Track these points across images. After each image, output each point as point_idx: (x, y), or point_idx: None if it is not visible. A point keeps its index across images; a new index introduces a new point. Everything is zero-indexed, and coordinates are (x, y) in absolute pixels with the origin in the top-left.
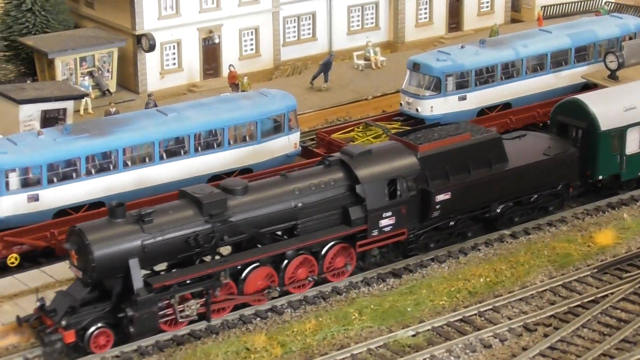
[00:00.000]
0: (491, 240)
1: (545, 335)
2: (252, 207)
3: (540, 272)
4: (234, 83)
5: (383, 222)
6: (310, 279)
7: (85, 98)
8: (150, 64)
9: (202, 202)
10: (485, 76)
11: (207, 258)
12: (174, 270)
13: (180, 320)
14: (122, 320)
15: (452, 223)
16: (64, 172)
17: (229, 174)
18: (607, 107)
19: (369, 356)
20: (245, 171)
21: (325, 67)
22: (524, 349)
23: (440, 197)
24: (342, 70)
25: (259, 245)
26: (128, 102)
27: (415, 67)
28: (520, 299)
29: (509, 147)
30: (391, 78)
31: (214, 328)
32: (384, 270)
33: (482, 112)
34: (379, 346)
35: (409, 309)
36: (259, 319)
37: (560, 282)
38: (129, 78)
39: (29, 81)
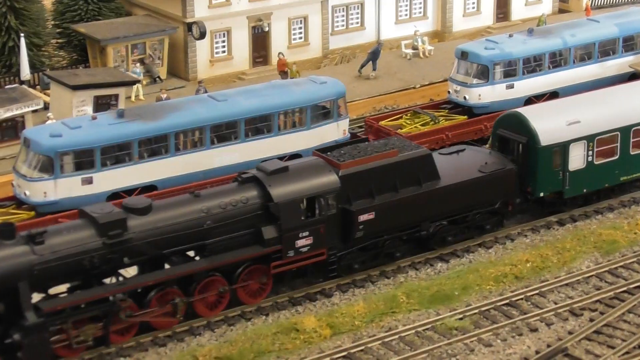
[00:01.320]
0: (537, 227)
1: (591, 320)
2: (155, 227)
3: (587, 259)
4: (284, 71)
5: (300, 243)
6: (221, 289)
7: (136, 85)
8: (201, 51)
9: (99, 222)
10: (532, 65)
11: (112, 279)
12: (66, 294)
13: (75, 347)
14: (10, 346)
15: (379, 243)
16: (117, 155)
17: (279, 159)
18: (548, 121)
19: (416, 338)
20: (294, 157)
21: (374, 56)
22: (570, 332)
23: (363, 217)
24: (389, 59)
25: (168, 266)
26: (178, 89)
27: (464, 55)
28: (567, 284)
29: (444, 163)
30: (438, 67)
31: (264, 309)
32: (432, 255)
33: (529, 100)
34: (426, 329)
35: (456, 293)
36: (308, 301)
37: (607, 268)
38: (179, 65)
39: (80, 67)
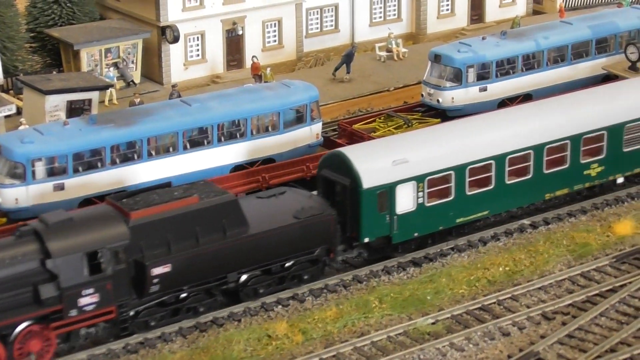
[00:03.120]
0: (511, 230)
1: (564, 324)
2: None
3: (559, 262)
4: (257, 74)
5: (83, 301)
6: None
7: (110, 89)
8: (174, 55)
9: None
10: (506, 67)
11: None
12: None
13: None
14: None
15: (181, 296)
16: (89, 161)
17: (251, 163)
18: (372, 162)
19: (388, 343)
20: (268, 161)
21: (348, 59)
22: (542, 336)
23: (157, 270)
24: (364, 62)
25: None
26: (152, 93)
27: (437, 58)
28: (539, 288)
29: (259, 207)
30: (413, 69)
31: (236, 315)
32: (405, 260)
33: (503, 103)
34: (399, 334)
35: (428, 297)
36: (280, 306)
37: (579, 272)
38: (153, 69)
39: (54, 72)
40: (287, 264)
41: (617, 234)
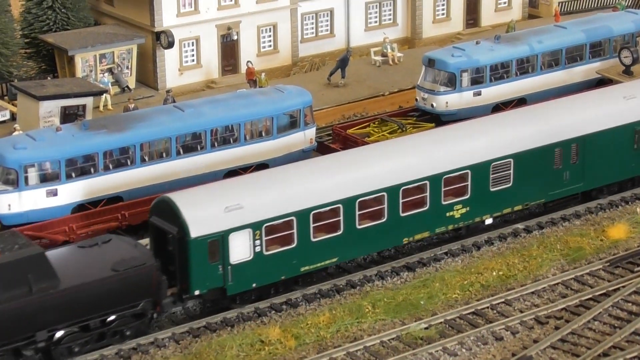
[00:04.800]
0: (505, 235)
1: (557, 328)
2: None
3: (553, 266)
4: (252, 79)
5: None
6: None
7: (104, 94)
8: (169, 60)
9: None
10: (500, 72)
11: None
12: None
13: None
14: None
15: None
16: (82, 167)
17: (245, 169)
18: (202, 208)
19: (381, 348)
20: (261, 166)
21: (343, 63)
22: (535, 341)
23: None
24: (359, 67)
25: None
26: (147, 99)
27: (431, 63)
28: (533, 292)
29: (75, 259)
30: (408, 74)
31: (229, 320)
32: (398, 264)
33: (497, 107)
34: (392, 338)
35: (422, 302)
36: (273, 312)
37: (573, 276)
38: (148, 75)
39: (49, 78)
40: (108, 319)
41: (611, 238)
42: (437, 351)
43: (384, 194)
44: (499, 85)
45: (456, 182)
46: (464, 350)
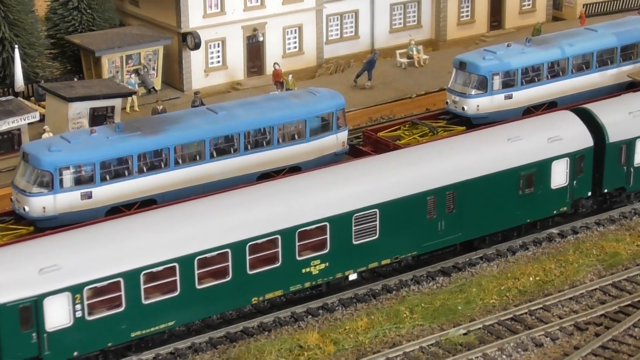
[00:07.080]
0: (539, 239)
1: (597, 335)
2: None
3: (590, 271)
4: (279, 81)
5: None
6: None
7: (132, 96)
8: (195, 61)
9: None
10: (531, 75)
11: None
12: None
13: None
14: None
15: None
16: (116, 170)
17: (278, 172)
18: (10, 271)
19: (421, 354)
20: (294, 169)
21: (369, 65)
22: (576, 347)
23: None
24: (385, 69)
25: None
26: (173, 100)
27: (462, 65)
28: (571, 298)
29: None
30: (434, 76)
31: (266, 325)
32: (434, 269)
33: (528, 110)
34: (431, 344)
35: (459, 307)
36: (310, 316)
37: (610, 281)
38: (174, 76)
39: (75, 79)
40: None
41: None
42: (477, 357)
43: (228, 250)
44: (530, 88)
45: (313, 235)
46: (504, 356)
